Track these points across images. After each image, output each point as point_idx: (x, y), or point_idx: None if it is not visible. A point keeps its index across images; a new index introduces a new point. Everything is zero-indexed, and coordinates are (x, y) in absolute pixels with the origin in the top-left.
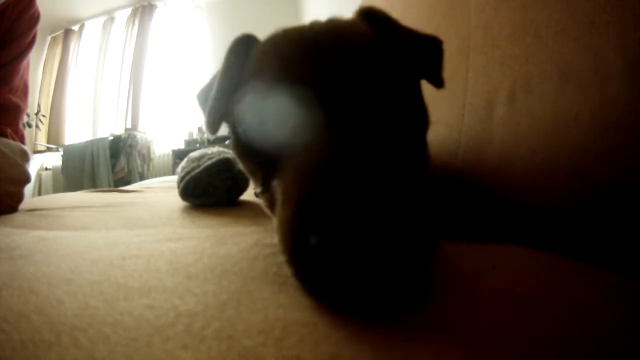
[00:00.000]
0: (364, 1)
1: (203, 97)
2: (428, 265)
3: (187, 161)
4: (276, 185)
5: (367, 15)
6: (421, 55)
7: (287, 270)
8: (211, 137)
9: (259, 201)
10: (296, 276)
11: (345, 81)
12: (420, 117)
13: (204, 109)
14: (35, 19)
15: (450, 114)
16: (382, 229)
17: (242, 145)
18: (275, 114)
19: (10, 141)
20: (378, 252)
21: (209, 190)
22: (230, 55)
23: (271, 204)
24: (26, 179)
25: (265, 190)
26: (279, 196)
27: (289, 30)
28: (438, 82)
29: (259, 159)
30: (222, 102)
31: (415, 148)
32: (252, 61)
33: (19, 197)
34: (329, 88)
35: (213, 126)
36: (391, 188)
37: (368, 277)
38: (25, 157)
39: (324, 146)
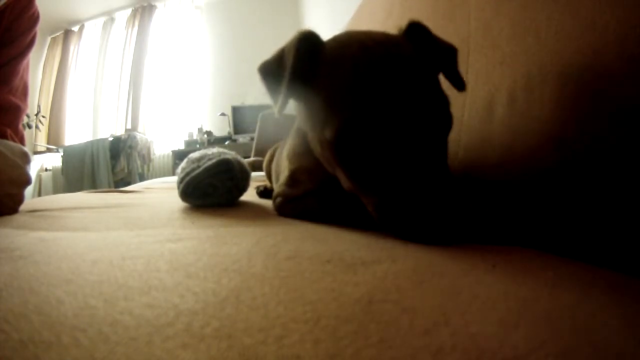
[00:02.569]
0: (363, 1)
1: (268, 75)
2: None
3: (187, 162)
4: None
5: (411, 28)
6: (445, 60)
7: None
8: (212, 139)
9: (263, 202)
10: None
11: (414, 108)
12: (449, 121)
13: (268, 86)
14: (34, 19)
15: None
16: (434, 203)
17: (343, 145)
18: (375, 129)
19: (11, 142)
20: (433, 210)
21: (209, 191)
22: (296, 52)
23: (364, 191)
24: (27, 180)
25: (359, 180)
26: (378, 192)
27: (363, 45)
28: (461, 86)
29: (361, 156)
30: (288, 95)
31: (445, 144)
32: (338, 76)
33: (20, 199)
34: (409, 110)
35: (281, 111)
36: (439, 188)
37: (431, 224)
38: (25, 158)
39: (408, 162)
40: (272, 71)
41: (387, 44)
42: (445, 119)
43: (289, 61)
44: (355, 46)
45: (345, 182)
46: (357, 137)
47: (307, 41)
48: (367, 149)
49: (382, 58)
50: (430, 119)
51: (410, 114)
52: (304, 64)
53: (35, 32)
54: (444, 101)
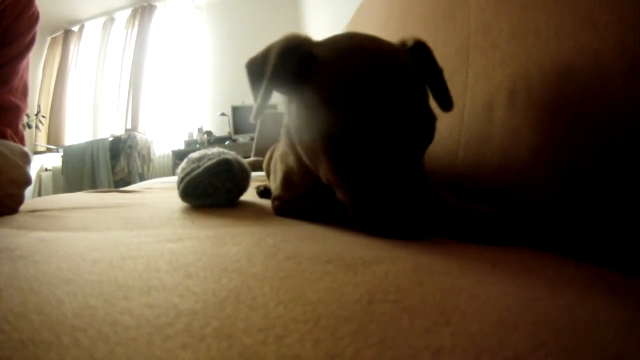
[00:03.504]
0: (363, 1)
1: (253, 72)
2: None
3: (187, 162)
4: (331, 169)
5: (416, 45)
6: (439, 81)
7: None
8: (212, 139)
9: (263, 202)
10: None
11: (405, 119)
12: (432, 135)
13: (251, 83)
14: (34, 19)
15: (451, 114)
16: (405, 202)
17: (334, 145)
18: (371, 136)
19: (11, 143)
20: (403, 208)
21: (209, 191)
22: (277, 57)
23: (321, 172)
24: (27, 181)
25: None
26: (332, 179)
27: (360, 51)
28: (448, 105)
29: (348, 156)
30: (265, 100)
31: (422, 154)
32: (330, 80)
33: (19, 199)
34: (393, 108)
35: (258, 115)
36: (412, 190)
37: (401, 220)
38: (26, 158)
39: (386, 162)
40: (256, 68)
41: (386, 50)
42: (428, 132)
43: (271, 60)
44: (356, 48)
45: (325, 175)
46: (350, 135)
47: (294, 41)
48: (355, 148)
49: (381, 63)
50: (415, 129)
51: (399, 122)
52: (291, 63)
53: (35, 32)
54: (431, 116)
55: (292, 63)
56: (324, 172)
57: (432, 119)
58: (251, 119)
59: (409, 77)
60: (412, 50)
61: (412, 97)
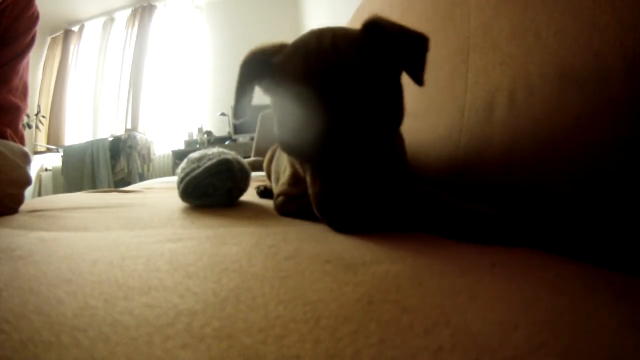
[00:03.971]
0: (363, 1)
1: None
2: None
3: (187, 162)
4: (306, 167)
5: (369, 24)
6: (408, 53)
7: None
8: (212, 139)
9: (263, 202)
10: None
11: (344, 94)
12: (395, 112)
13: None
14: (34, 19)
15: (450, 114)
16: (354, 199)
17: (282, 140)
18: (302, 124)
19: (11, 143)
20: (354, 207)
21: (209, 191)
22: (242, 69)
23: (304, 172)
24: (27, 181)
25: (303, 167)
26: (308, 178)
27: (303, 44)
28: (419, 81)
29: (294, 150)
30: (240, 103)
31: (385, 139)
32: (279, 75)
33: (19, 199)
34: (333, 100)
35: (236, 117)
36: (360, 181)
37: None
38: (26, 159)
39: (329, 155)
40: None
41: (329, 43)
42: (382, 118)
43: (239, 70)
44: (300, 47)
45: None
46: (291, 134)
47: (256, 52)
48: (300, 144)
49: (321, 59)
50: (361, 119)
51: (339, 114)
52: (254, 72)
53: (35, 31)
54: (383, 100)
55: (254, 72)
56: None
57: (385, 103)
58: (231, 118)
59: (351, 66)
60: (371, 32)
61: (352, 87)
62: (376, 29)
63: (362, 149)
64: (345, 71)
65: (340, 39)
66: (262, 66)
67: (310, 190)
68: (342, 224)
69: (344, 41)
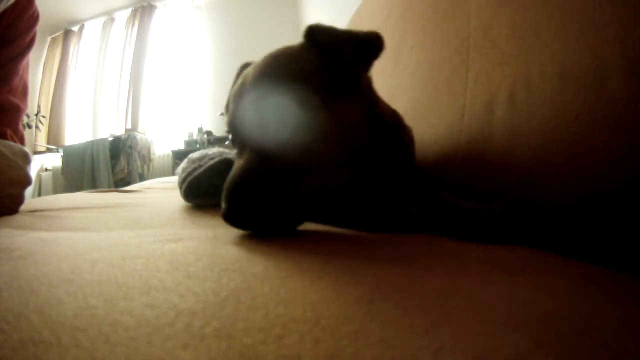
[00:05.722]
0: (363, 1)
1: None
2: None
3: (188, 162)
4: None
5: (311, 32)
6: (354, 53)
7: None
8: (212, 139)
9: None
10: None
11: (257, 111)
12: (310, 126)
13: None
14: (34, 19)
15: (450, 114)
16: (250, 209)
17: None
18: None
19: (11, 143)
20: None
21: (211, 191)
22: (235, 77)
23: None
24: (27, 181)
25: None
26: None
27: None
28: (356, 70)
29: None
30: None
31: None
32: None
33: (20, 200)
34: (247, 117)
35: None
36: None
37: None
38: (26, 159)
39: (240, 166)
40: None
41: (268, 60)
42: (299, 127)
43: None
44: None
45: None
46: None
47: (244, 63)
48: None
49: (249, 76)
50: (277, 133)
51: (255, 125)
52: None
53: (35, 32)
54: (301, 113)
55: None
56: None
57: (303, 115)
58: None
59: (274, 81)
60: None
61: (267, 99)
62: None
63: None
64: (265, 86)
65: (270, 61)
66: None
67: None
68: (241, 217)
69: (273, 63)
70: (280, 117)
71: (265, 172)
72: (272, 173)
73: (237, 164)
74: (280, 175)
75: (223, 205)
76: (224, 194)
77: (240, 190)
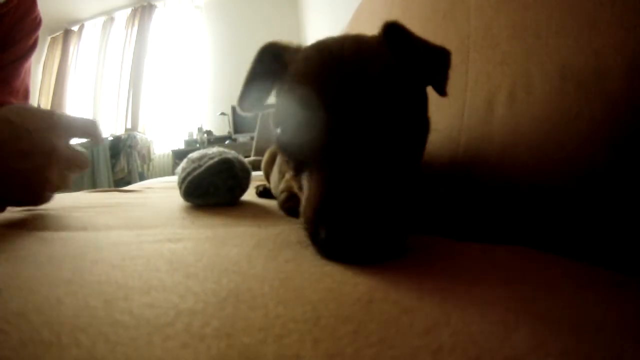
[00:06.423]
0: (363, 1)
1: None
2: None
3: (188, 161)
4: (304, 180)
5: (389, 29)
6: (431, 65)
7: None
8: (212, 138)
9: (264, 201)
10: (313, 245)
11: (358, 101)
12: (419, 127)
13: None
14: (37, 23)
15: (450, 114)
16: (360, 230)
17: (281, 140)
18: (306, 125)
19: (34, 107)
20: (357, 243)
21: (211, 190)
22: (258, 55)
23: (300, 188)
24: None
25: (296, 175)
26: (305, 191)
27: (322, 47)
28: (441, 91)
29: (293, 153)
30: (249, 96)
31: (407, 155)
32: (290, 73)
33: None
34: (346, 107)
35: (241, 105)
36: (370, 204)
37: (352, 255)
38: (50, 120)
39: (335, 165)
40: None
41: (350, 46)
42: (402, 134)
43: (254, 59)
44: (317, 49)
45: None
46: (291, 137)
47: (271, 45)
48: (299, 152)
49: (333, 60)
50: (376, 133)
51: (350, 125)
52: (266, 63)
53: (37, 35)
54: (406, 115)
55: (269, 62)
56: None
57: (408, 118)
58: (237, 107)
59: (366, 69)
60: (390, 37)
61: (367, 92)
62: (396, 35)
63: (376, 166)
64: (363, 77)
65: (362, 44)
66: (276, 59)
67: (302, 205)
68: (344, 248)
69: (367, 47)
70: (406, 107)
71: (379, 180)
72: (387, 181)
73: (326, 173)
74: (397, 183)
75: (319, 231)
76: (312, 216)
77: (354, 206)
